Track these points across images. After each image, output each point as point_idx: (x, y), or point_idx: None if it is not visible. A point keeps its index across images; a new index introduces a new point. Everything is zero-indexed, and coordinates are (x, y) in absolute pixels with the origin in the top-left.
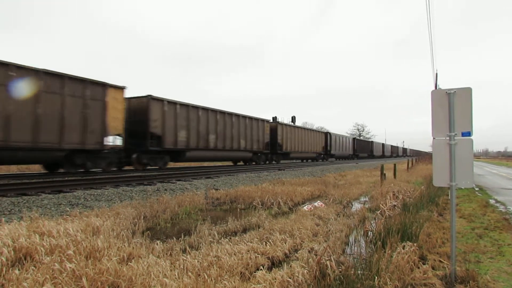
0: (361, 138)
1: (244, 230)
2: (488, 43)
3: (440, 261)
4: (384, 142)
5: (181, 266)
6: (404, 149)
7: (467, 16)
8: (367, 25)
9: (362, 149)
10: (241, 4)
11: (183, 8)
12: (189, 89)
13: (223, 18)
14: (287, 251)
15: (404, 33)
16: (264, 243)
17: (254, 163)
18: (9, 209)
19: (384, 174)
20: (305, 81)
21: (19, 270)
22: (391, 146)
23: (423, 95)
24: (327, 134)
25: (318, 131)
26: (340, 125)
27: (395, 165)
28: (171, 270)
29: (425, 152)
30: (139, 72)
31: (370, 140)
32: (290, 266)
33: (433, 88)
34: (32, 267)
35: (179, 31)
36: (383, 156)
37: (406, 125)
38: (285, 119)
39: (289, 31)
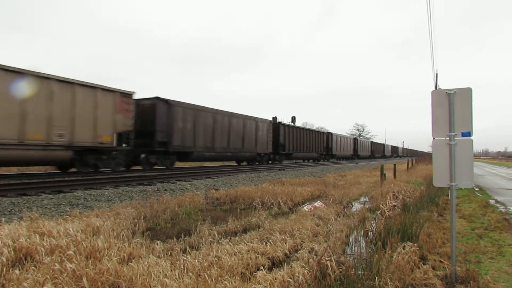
0: (307, 126)
1: (244, 230)
2: (489, 43)
3: (440, 261)
4: (359, 137)
5: (182, 266)
6: (395, 148)
7: (468, 16)
8: (369, 26)
9: (307, 145)
10: (245, 4)
11: (186, 8)
12: (191, 88)
13: (226, 19)
14: (287, 251)
15: (406, 34)
16: (264, 243)
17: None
18: (9, 209)
19: (384, 175)
20: (306, 81)
21: (19, 270)
22: (373, 143)
23: (424, 95)
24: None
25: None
26: (341, 125)
27: (395, 165)
28: (171, 270)
29: (422, 151)
30: (143, 72)
31: (325, 131)
32: (291, 266)
33: (433, 88)
34: (33, 267)
35: (182, 32)
36: (355, 156)
37: (407, 125)
38: (285, 119)
39: (292, 32)
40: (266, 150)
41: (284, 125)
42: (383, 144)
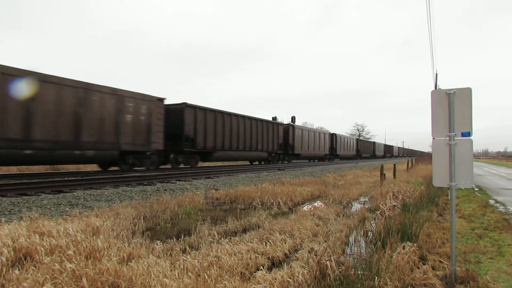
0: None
1: (244, 230)
2: (489, 43)
3: (440, 261)
4: (335, 132)
5: (181, 266)
6: (389, 147)
7: (468, 16)
8: (370, 26)
9: (246, 140)
10: (246, 4)
11: (187, 8)
12: (191, 88)
13: (227, 19)
14: (287, 251)
15: (407, 34)
16: (264, 243)
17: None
18: (9, 209)
19: (384, 174)
20: (307, 81)
21: (19, 270)
22: (359, 141)
23: (424, 95)
24: None
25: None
26: (342, 125)
27: (394, 165)
28: (171, 270)
29: (420, 151)
30: (143, 73)
31: (283, 123)
32: (290, 266)
33: (433, 88)
34: (32, 267)
35: (184, 32)
36: (332, 156)
37: (407, 125)
38: (285, 119)
39: (293, 32)
40: (148, 147)
41: (195, 108)
42: (373, 142)
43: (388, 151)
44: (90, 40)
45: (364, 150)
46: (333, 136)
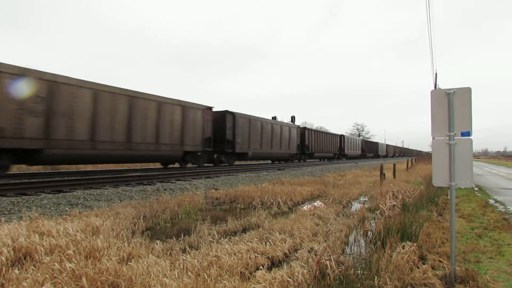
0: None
1: (244, 230)
2: (489, 43)
3: (440, 261)
4: (257, 116)
5: (181, 266)
6: (372, 144)
7: (469, 17)
8: (370, 26)
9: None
10: (249, 5)
11: (190, 8)
12: (192, 88)
13: (230, 19)
14: (286, 251)
15: (408, 35)
16: (263, 243)
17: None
18: (8, 209)
19: (384, 174)
20: (307, 81)
21: (19, 269)
22: (312, 132)
23: (424, 95)
24: None
25: None
26: (342, 125)
27: (394, 165)
28: (171, 270)
29: (417, 150)
30: (144, 73)
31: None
32: (290, 266)
33: (433, 88)
34: (32, 266)
35: (186, 32)
36: (235, 155)
37: (407, 125)
38: (285, 118)
39: (292, 33)
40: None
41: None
42: (341, 136)
43: (370, 149)
44: (90, 39)
45: (321, 147)
46: (225, 117)
